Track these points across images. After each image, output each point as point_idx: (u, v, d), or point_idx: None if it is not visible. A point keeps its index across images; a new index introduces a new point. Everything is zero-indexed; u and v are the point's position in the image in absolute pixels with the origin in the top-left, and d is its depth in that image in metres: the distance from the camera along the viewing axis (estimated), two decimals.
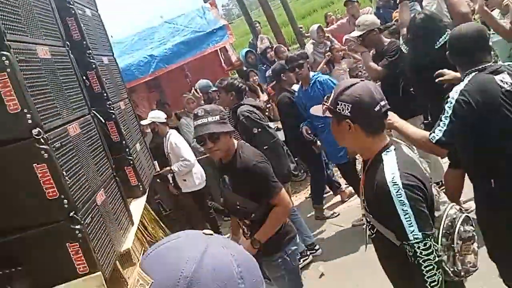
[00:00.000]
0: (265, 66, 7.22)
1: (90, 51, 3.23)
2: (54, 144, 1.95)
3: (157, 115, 4.98)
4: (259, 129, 3.91)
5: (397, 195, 1.54)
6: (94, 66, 3.23)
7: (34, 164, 1.83)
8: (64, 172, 1.92)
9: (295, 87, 4.80)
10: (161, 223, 4.77)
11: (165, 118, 5.04)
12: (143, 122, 4.72)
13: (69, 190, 1.91)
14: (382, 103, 1.65)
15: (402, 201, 1.53)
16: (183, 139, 5.06)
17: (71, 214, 1.90)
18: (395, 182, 1.55)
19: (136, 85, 6.48)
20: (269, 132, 4.04)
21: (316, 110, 1.95)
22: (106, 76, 3.47)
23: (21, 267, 1.88)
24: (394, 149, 1.67)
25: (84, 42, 3.20)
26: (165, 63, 6.26)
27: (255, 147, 3.61)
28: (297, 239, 2.89)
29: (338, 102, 1.68)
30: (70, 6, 3.13)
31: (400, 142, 1.81)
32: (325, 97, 1.81)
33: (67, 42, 2.61)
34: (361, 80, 1.74)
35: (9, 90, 1.78)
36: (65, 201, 1.88)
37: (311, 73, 4.58)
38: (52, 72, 2.23)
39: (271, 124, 4.67)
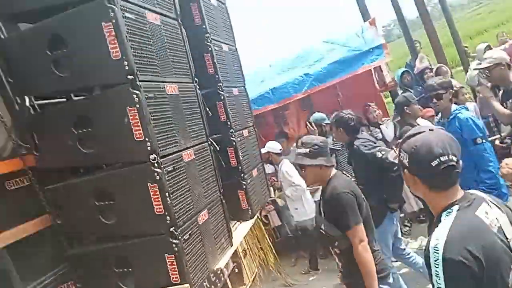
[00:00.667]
0: (420, 87, 6.73)
1: (221, 84, 3.65)
2: (167, 168, 2.30)
3: (273, 146, 5.39)
4: (383, 152, 3.84)
5: (435, 264, 1.42)
6: (222, 97, 3.64)
7: (148, 184, 2.19)
8: (170, 193, 2.25)
9: (421, 121, 4.59)
10: (274, 250, 5.00)
11: (280, 150, 5.36)
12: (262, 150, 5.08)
13: (172, 208, 2.23)
14: (443, 158, 1.51)
15: (437, 273, 1.41)
16: (293, 168, 5.29)
17: (171, 229, 2.21)
18: (436, 250, 1.43)
19: (289, 103, 6.86)
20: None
21: (392, 155, 1.92)
22: (233, 106, 3.85)
23: (131, 268, 2.26)
24: (458, 210, 1.52)
25: (217, 76, 3.63)
26: (318, 81, 6.43)
27: (386, 173, 3.63)
28: (390, 279, 2.89)
29: (401, 150, 1.65)
30: (208, 44, 3.60)
31: (481, 196, 1.62)
32: (398, 142, 1.78)
33: (195, 79, 3.01)
34: (431, 130, 1.63)
35: (137, 122, 2.18)
36: (168, 217, 2.20)
37: (454, 106, 4.29)
38: (177, 106, 2.62)
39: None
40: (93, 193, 2.27)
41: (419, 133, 1.62)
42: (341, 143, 5.20)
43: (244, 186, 3.65)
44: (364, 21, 7.75)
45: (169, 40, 2.70)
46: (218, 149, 3.16)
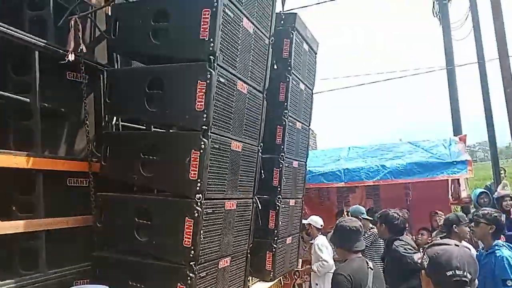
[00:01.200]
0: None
1: (283, 154, 3.86)
2: (207, 210, 2.49)
3: (315, 220, 5.44)
4: (419, 259, 3.80)
5: None
6: (280, 166, 3.84)
7: (186, 217, 2.40)
8: (202, 231, 2.43)
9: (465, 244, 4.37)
10: None
11: (321, 226, 5.40)
12: (303, 221, 5.14)
13: (199, 245, 2.40)
14: (458, 272, 1.62)
15: None
16: (328, 245, 5.25)
17: (192, 263, 2.37)
18: None
19: (357, 186, 6.99)
20: None
21: (417, 255, 1.95)
22: (289, 176, 4.02)
23: (143, 286, 2.44)
24: None
25: (282, 147, 3.85)
26: (393, 176, 6.44)
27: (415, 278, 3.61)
28: None
29: (425, 252, 1.77)
30: (284, 118, 3.87)
31: None
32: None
33: (261, 143, 3.24)
34: (456, 245, 1.74)
35: (196, 164, 2.43)
36: (192, 251, 2.37)
37: (499, 241, 4.04)
38: (236, 161, 2.84)
39: None
40: (136, 210, 2.52)
41: (446, 244, 1.76)
42: (370, 241, 5.19)
43: (274, 249, 3.73)
44: (454, 135, 7.70)
45: (249, 107, 2.99)
46: (260, 208, 3.30)
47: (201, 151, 2.44)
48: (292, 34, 3.83)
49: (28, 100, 2.46)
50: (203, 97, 2.46)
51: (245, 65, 2.89)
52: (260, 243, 3.67)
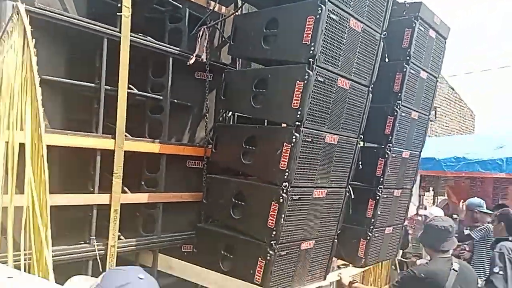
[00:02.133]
0: None
1: (391, 145, 3.85)
2: (293, 196, 2.78)
3: (432, 213, 5.24)
4: (500, 272, 3.61)
5: None
6: (387, 156, 3.85)
7: (272, 201, 2.74)
8: (286, 215, 2.75)
9: None
10: None
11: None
12: (421, 211, 5.07)
13: (280, 227, 2.71)
14: None
15: None
16: None
17: (272, 242, 2.72)
18: None
19: None
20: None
21: None
22: (395, 166, 4.01)
23: (232, 256, 2.95)
24: None
25: (390, 137, 3.84)
26: None
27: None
28: None
29: None
30: (396, 109, 3.81)
31: None
32: None
33: (361, 135, 3.33)
34: None
35: (286, 155, 2.70)
36: (274, 232, 2.71)
37: None
38: (330, 153, 3.01)
39: None
40: (234, 192, 2.96)
41: None
42: (481, 234, 4.91)
43: (368, 238, 3.85)
44: None
45: (350, 101, 3.08)
46: (352, 197, 3.44)
47: (292, 144, 2.69)
48: (415, 23, 3.68)
49: (161, 97, 3.04)
50: (300, 96, 2.67)
51: (349, 62, 2.97)
52: (356, 230, 3.83)
